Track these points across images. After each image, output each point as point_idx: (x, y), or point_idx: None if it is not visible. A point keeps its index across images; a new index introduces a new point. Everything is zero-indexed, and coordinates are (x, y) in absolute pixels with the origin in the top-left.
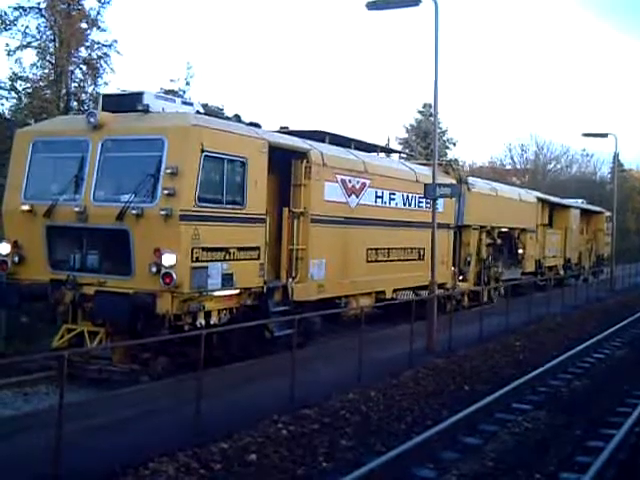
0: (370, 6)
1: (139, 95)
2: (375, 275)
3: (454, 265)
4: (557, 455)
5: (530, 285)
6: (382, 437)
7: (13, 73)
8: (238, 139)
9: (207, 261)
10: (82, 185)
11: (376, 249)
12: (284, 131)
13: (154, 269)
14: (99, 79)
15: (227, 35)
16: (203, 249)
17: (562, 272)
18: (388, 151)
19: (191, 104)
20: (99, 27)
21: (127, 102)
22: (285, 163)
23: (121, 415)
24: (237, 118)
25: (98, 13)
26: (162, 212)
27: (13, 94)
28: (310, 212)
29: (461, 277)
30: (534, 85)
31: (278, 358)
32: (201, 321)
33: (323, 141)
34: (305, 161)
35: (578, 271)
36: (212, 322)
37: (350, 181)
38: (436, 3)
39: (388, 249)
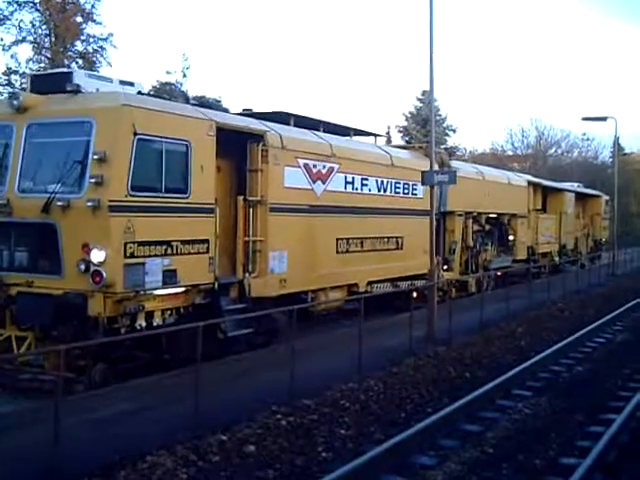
0: None
1: (68, 74)
2: (347, 267)
3: (437, 254)
4: (557, 440)
5: (523, 273)
6: (382, 426)
7: (8, 68)
8: (179, 120)
9: (144, 256)
10: (6, 175)
11: (347, 239)
12: (245, 113)
13: (83, 267)
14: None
15: (224, 26)
16: (139, 243)
17: (557, 258)
18: (363, 134)
19: (132, 84)
20: (94, 20)
21: (57, 82)
22: (241, 147)
23: (119, 409)
24: (184, 98)
25: (93, 6)
26: (89, 203)
27: (9, 89)
28: (268, 200)
29: (445, 266)
30: (534, 70)
31: (277, 350)
32: (141, 323)
33: (287, 123)
34: (261, 144)
35: (575, 257)
36: (155, 324)
37: (315, 166)
38: None
39: (361, 239)
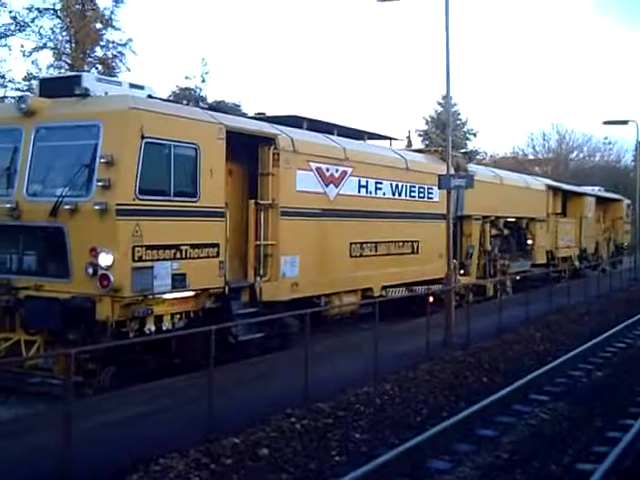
0: None
1: (77, 78)
2: (361, 271)
3: (454, 258)
4: (574, 446)
5: (542, 277)
6: (397, 430)
7: (28, 73)
8: (188, 124)
9: (152, 260)
10: (15, 178)
11: (361, 243)
12: (258, 117)
13: (90, 270)
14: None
15: (243, 31)
16: (147, 247)
17: (577, 263)
18: (378, 137)
19: (142, 87)
20: (114, 26)
21: (65, 86)
22: (252, 151)
23: (133, 412)
24: (196, 103)
25: (112, 12)
26: (96, 207)
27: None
28: (280, 204)
29: (462, 271)
30: (555, 74)
31: (293, 353)
32: (151, 327)
33: (300, 127)
34: (273, 148)
35: (595, 261)
36: (164, 328)
37: (328, 169)
38: None
39: (375, 243)
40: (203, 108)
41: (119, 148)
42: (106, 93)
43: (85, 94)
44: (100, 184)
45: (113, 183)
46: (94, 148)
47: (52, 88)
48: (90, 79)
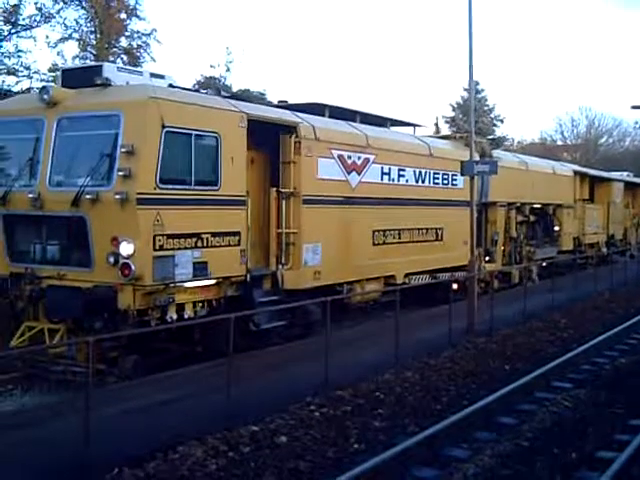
0: None
1: (98, 68)
2: (383, 259)
3: (479, 245)
4: (596, 434)
5: (569, 264)
6: (416, 418)
7: (53, 64)
8: (208, 112)
9: (173, 249)
10: (38, 169)
11: (384, 231)
12: (280, 105)
13: (112, 259)
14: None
15: (268, 19)
16: (168, 236)
17: (605, 249)
18: (401, 124)
19: (162, 76)
20: (138, 16)
21: (87, 76)
22: (274, 139)
23: (154, 399)
24: (217, 91)
25: (137, 2)
26: (117, 196)
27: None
28: (301, 192)
29: (487, 258)
30: (583, 58)
31: (314, 341)
32: (172, 315)
33: (322, 114)
34: (294, 136)
35: (623, 247)
36: (186, 316)
37: (350, 157)
38: None
39: (398, 230)
40: (224, 97)
41: (139, 138)
42: (127, 83)
43: (106, 84)
44: (121, 174)
45: (134, 173)
46: (115, 138)
47: (74, 78)
48: (111, 69)
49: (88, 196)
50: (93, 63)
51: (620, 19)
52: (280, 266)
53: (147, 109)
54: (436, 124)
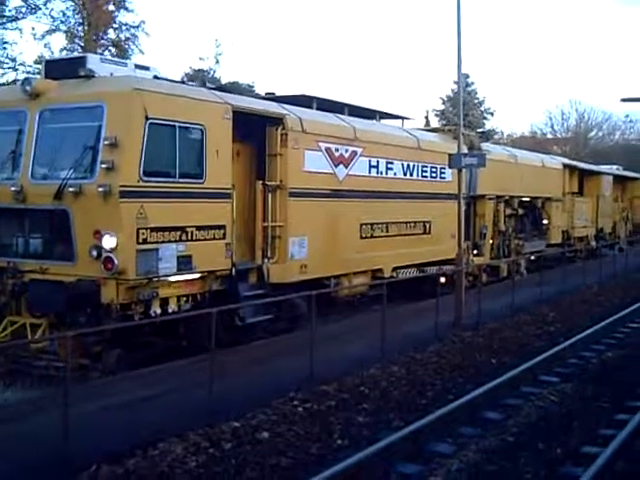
0: None
1: (82, 59)
2: (371, 252)
3: (467, 238)
4: (581, 428)
5: (557, 257)
6: (401, 412)
7: (39, 57)
8: (193, 104)
9: (157, 242)
10: (20, 161)
11: (371, 224)
12: (268, 97)
13: (95, 253)
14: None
15: (257, 11)
16: (151, 229)
17: (594, 242)
18: (390, 117)
19: (147, 68)
20: (127, 8)
21: (70, 68)
22: (260, 131)
23: (136, 395)
24: (202, 83)
25: None
26: (100, 189)
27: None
28: (288, 185)
29: (475, 251)
30: (573, 51)
31: (299, 335)
32: (156, 310)
33: (310, 107)
34: (280, 128)
35: (613, 241)
36: (170, 310)
37: (337, 149)
38: None
39: (386, 224)
40: (210, 88)
41: (123, 129)
42: (111, 74)
43: (89, 75)
44: (104, 166)
45: (117, 165)
46: (98, 130)
47: (57, 70)
48: (95, 60)
49: (71, 189)
50: (77, 54)
51: (611, 13)
52: (266, 260)
53: (131, 100)
54: (426, 117)
